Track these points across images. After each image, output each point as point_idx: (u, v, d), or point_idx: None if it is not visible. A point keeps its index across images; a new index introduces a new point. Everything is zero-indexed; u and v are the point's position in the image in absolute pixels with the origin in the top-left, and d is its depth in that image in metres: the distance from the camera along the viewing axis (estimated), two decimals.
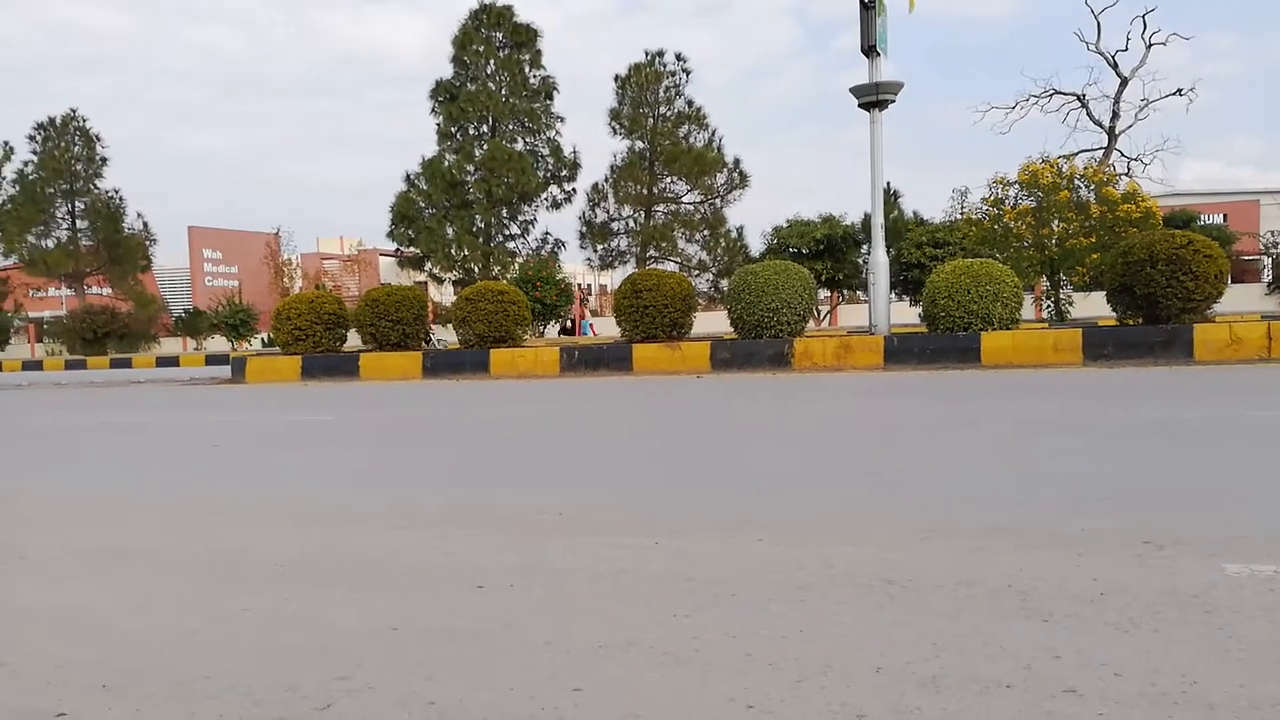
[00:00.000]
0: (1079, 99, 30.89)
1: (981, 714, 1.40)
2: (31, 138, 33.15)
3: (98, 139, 33.91)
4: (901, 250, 21.02)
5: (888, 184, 22.79)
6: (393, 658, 1.73)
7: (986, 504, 2.87)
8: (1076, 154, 28.69)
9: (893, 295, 13.56)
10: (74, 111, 33.54)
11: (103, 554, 2.67)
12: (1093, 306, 16.70)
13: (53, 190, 33.25)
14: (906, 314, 19.08)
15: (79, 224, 33.93)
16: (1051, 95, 31.34)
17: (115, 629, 1.97)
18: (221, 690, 1.60)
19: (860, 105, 11.19)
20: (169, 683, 1.64)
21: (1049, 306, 14.63)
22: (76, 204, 33.78)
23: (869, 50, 10.98)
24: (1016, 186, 13.95)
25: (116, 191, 34.48)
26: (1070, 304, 14.35)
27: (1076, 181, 13.46)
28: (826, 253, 23.32)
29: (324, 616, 2.00)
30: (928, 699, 1.46)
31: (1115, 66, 30.22)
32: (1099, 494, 2.95)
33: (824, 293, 24.84)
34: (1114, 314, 10.48)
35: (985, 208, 14.54)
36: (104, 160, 34.08)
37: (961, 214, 18.75)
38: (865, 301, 29.18)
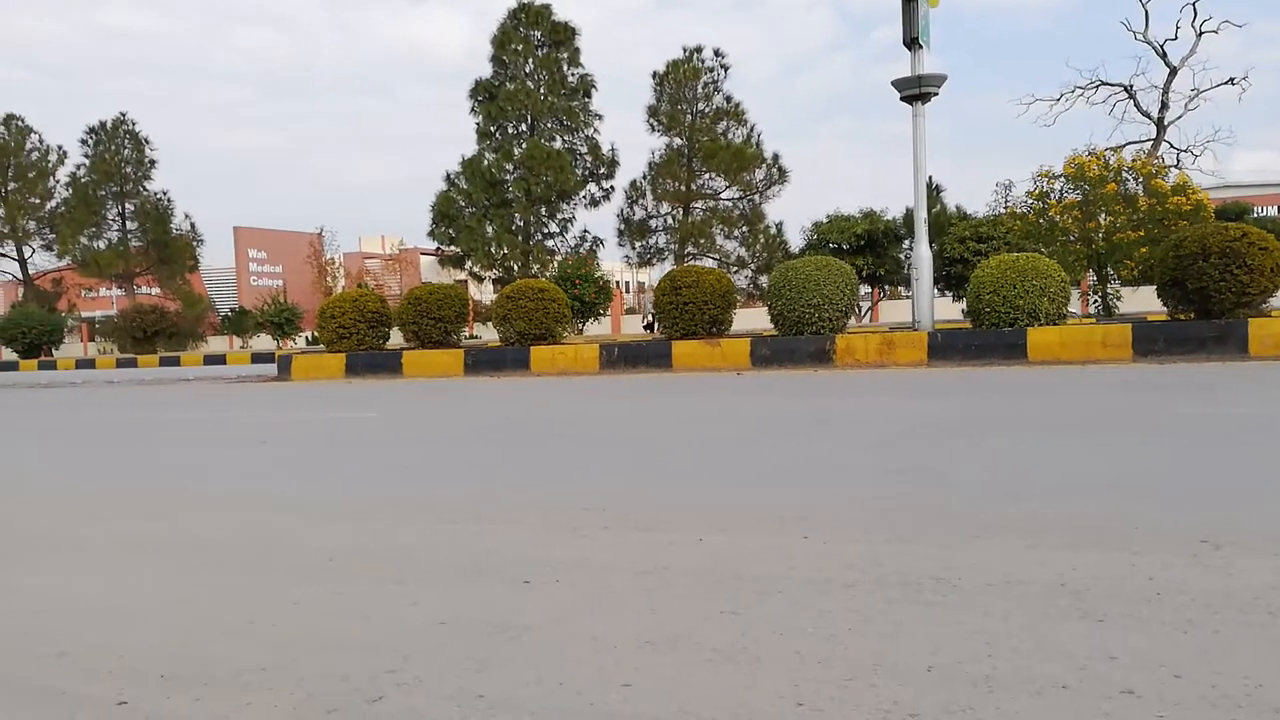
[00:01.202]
0: (1126, 90, 30.26)
1: (1037, 715, 1.38)
2: (83, 141, 33.95)
3: (146, 141, 34.64)
4: (944, 245, 20.75)
5: (930, 178, 22.49)
6: (441, 651, 1.74)
7: (1037, 502, 2.83)
8: (1124, 146, 28.15)
9: (935, 291, 13.38)
10: (123, 115, 34.29)
11: (159, 547, 2.72)
12: (1141, 301, 16.35)
13: (104, 192, 34.01)
14: (949, 310, 18.83)
15: (129, 225, 34.67)
16: (1098, 86, 30.74)
17: (172, 620, 2.01)
18: (275, 681, 1.62)
19: (902, 98, 11.06)
20: (225, 672, 1.67)
21: (1096, 301, 14.36)
22: (126, 206, 34.52)
23: (911, 42, 10.85)
24: (1062, 180, 13.71)
25: (165, 193, 35.21)
26: (1118, 299, 14.08)
27: (1124, 174, 13.18)
28: (867, 248, 23.08)
29: (373, 609, 2.02)
30: (981, 699, 1.44)
31: (1164, 56, 29.56)
32: (1153, 492, 2.89)
33: (865, 289, 24.63)
34: (1164, 309, 10.26)
35: (1030, 201, 14.30)
36: (153, 162, 34.81)
37: (1005, 208, 18.50)
38: (907, 297, 28.86)
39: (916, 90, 10.87)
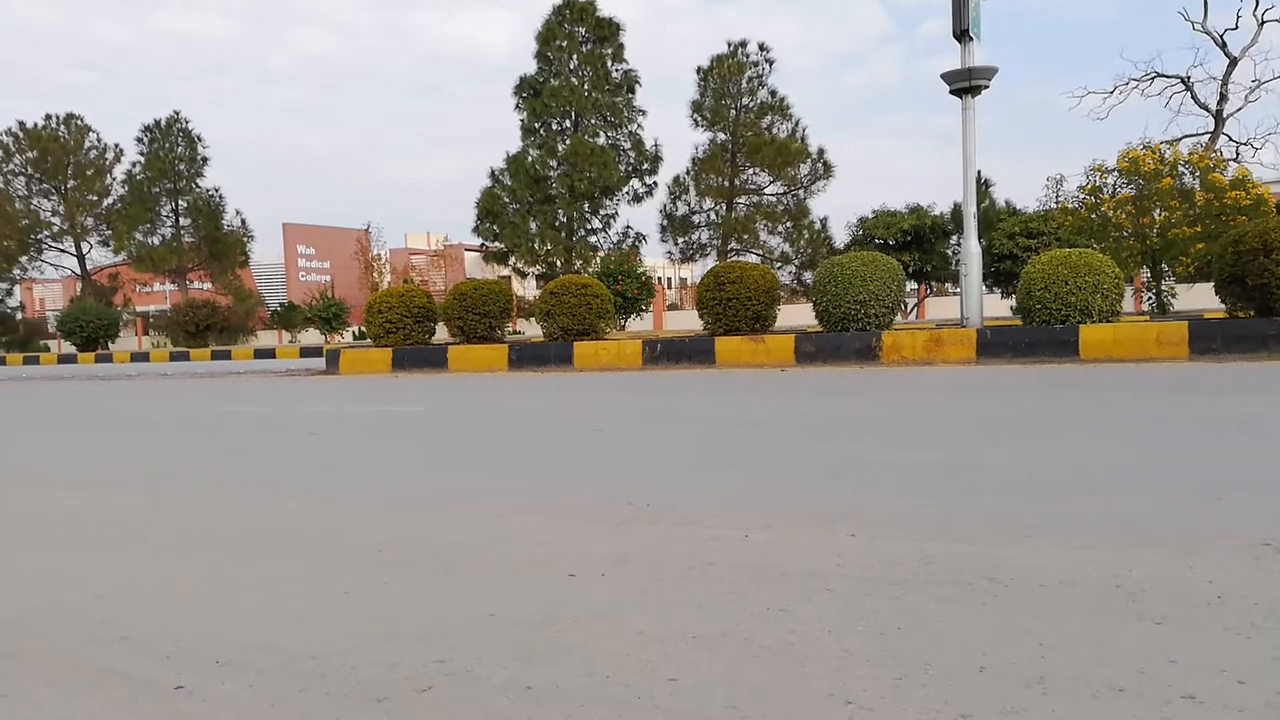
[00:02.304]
0: (1183, 81, 29.49)
1: (1094, 718, 1.35)
2: (139, 140, 34.77)
3: (199, 139, 35.39)
4: (993, 241, 20.40)
5: (979, 172, 22.12)
6: (489, 642, 1.75)
7: (1092, 502, 2.77)
8: (1180, 139, 27.48)
9: (984, 287, 13.17)
10: (177, 114, 35.08)
11: (214, 535, 2.78)
12: (1197, 299, 15.95)
13: (158, 190, 34.81)
14: (998, 307, 18.53)
15: (182, 222, 35.46)
16: (1153, 78, 30.00)
17: (227, 607, 2.05)
18: (326, 668, 1.65)
19: (952, 92, 10.90)
20: (278, 659, 1.70)
21: (1150, 299, 14.04)
22: (180, 202, 35.30)
23: (961, 35, 10.69)
24: (1115, 174, 13.40)
25: (217, 190, 35.96)
26: (1173, 296, 13.75)
27: (1180, 168, 12.84)
28: (914, 244, 22.78)
29: (421, 600, 2.04)
30: (1035, 700, 1.41)
31: (1223, 46, 28.77)
32: (1212, 492, 2.82)
33: (911, 285, 24.33)
34: (1222, 306, 10.00)
35: (1082, 196, 14.02)
36: (205, 160, 35.56)
37: (1056, 203, 18.12)
38: (954, 294, 28.46)
39: (966, 83, 10.71)
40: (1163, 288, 13.61)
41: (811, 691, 1.48)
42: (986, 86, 10.83)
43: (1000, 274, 20.56)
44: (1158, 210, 12.95)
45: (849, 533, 2.47)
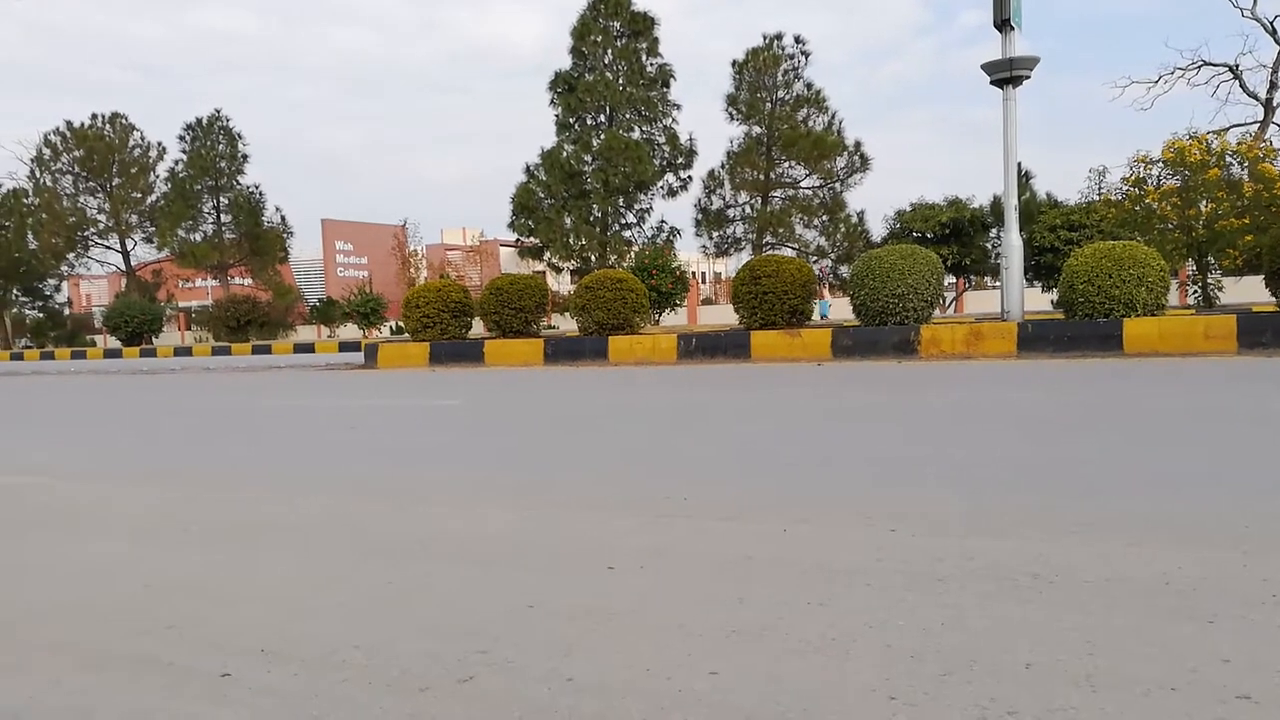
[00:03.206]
0: (1231, 70, 28.80)
1: (1144, 717, 1.32)
2: (181, 138, 35.32)
3: (239, 137, 35.85)
4: (1034, 234, 20.09)
5: (1019, 164, 21.83)
6: (529, 634, 1.76)
7: (1137, 498, 2.72)
8: (1228, 129, 26.84)
9: (1025, 281, 12.97)
10: (218, 112, 35.55)
11: (258, 528, 2.82)
12: (1244, 292, 15.60)
13: (200, 187, 35.34)
14: (1038, 300, 18.26)
15: (223, 218, 35.97)
16: (1200, 67, 29.32)
17: (269, 598, 2.08)
18: (370, 658, 1.66)
19: (993, 82, 10.74)
20: (321, 649, 1.72)
21: (1195, 292, 13.74)
22: (221, 199, 35.81)
23: (1002, 24, 10.52)
24: (1160, 165, 13.11)
25: (257, 187, 36.40)
26: (1219, 289, 13.44)
27: (1228, 158, 12.53)
28: (952, 237, 22.51)
29: (462, 591, 2.05)
30: (1083, 698, 1.39)
31: (1274, 33, 28.02)
32: (1264, 490, 2.75)
33: (949, 279, 24.04)
34: (1272, 299, 9.77)
35: (1125, 188, 13.74)
36: (245, 157, 36.01)
37: (1099, 195, 17.79)
38: (993, 288, 28.08)
39: (1008, 73, 10.54)
40: (1209, 280, 13.31)
41: (853, 687, 1.46)
42: (1028, 77, 10.66)
43: (1041, 267, 20.26)
44: (1204, 202, 12.65)
45: (889, 528, 2.44)
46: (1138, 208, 13.36)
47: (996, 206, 22.72)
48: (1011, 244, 10.85)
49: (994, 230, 23.00)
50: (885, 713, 1.37)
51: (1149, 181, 13.27)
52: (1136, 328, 8.89)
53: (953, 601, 1.84)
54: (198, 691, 1.56)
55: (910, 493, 2.92)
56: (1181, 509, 2.55)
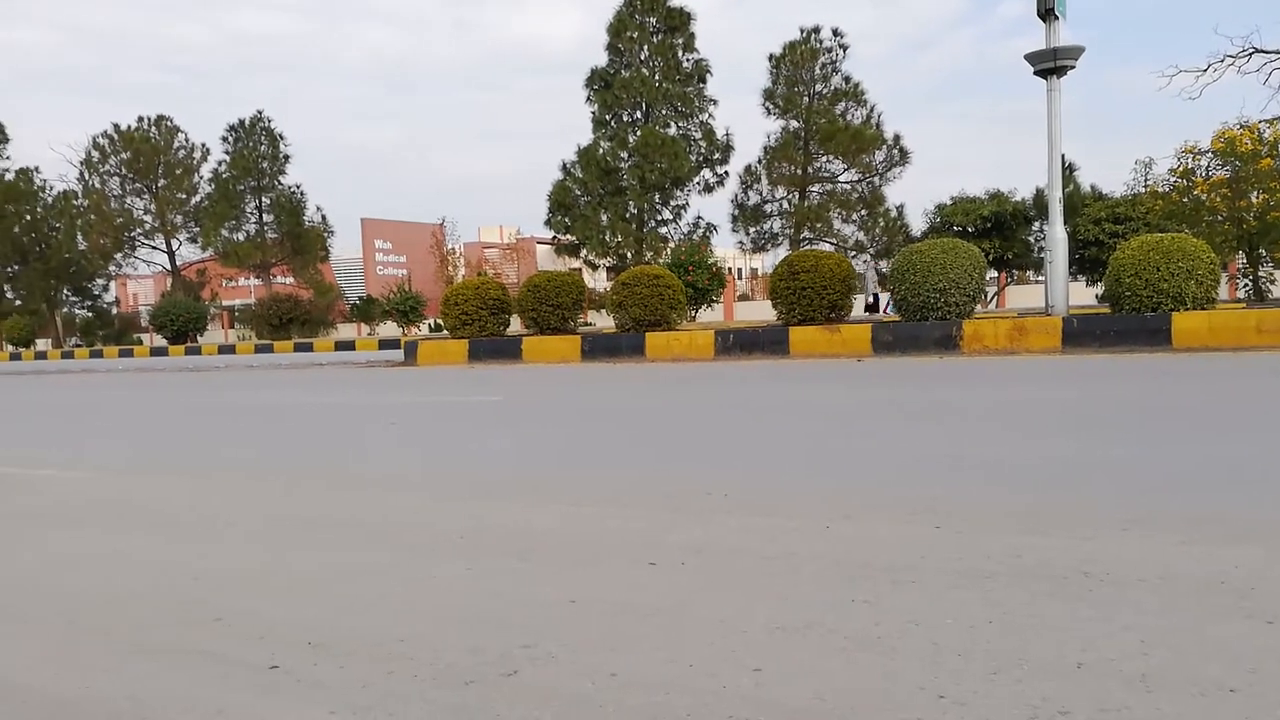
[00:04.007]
0: None
1: (1202, 718, 1.29)
2: (224, 139, 35.89)
3: (281, 138, 36.33)
4: (1078, 227, 19.72)
5: (1063, 156, 21.43)
6: (572, 629, 1.76)
7: (1188, 496, 2.66)
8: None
9: (1069, 275, 12.76)
10: (260, 113, 36.07)
11: (302, 522, 2.86)
12: None
13: (243, 187, 35.88)
14: (1083, 295, 17.93)
15: (265, 218, 36.49)
16: (1251, 54, 28.52)
17: (315, 591, 2.10)
18: (415, 651, 1.67)
19: (1036, 73, 10.56)
20: (367, 642, 1.73)
21: (1246, 285, 13.42)
22: (263, 199, 36.33)
23: (1045, 14, 10.35)
24: (1209, 155, 12.84)
25: (298, 186, 36.87)
26: (1271, 282, 13.12)
27: None
28: (994, 231, 22.13)
29: (504, 586, 2.06)
30: (1138, 698, 1.36)
31: None
32: None
33: (991, 273, 23.69)
34: None
35: (1173, 179, 13.47)
36: (287, 157, 36.49)
37: (1145, 187, 17.44)
38: (1035, 282, 27.61)
39: (1052, 64, 10.36)
40: (1260, 274, 12.99)
41: (901, 684, 1.44)
42: (1073, 67, 10.47)
43: (1086, 261, 19.87)
44: (1255, 193, 12.36)
45: (933, 525, 2.41)
46: (1186, 199, 13.09)
47: (1039, 199, 22.34)
48: (1056, 237, 10.68)
49: (1037, 224, 22.61)
50: (934, 711, 1.35)
51: (1197, 172, 12.99)
52: (1186, 322, 8.70)
53: (1000, 599, 1.81)
54: (247, 682, 1.58)
55: (955, 489, 2.88)
56: (1235, 506, 2.49)
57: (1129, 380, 6.33)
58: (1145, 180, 17.95)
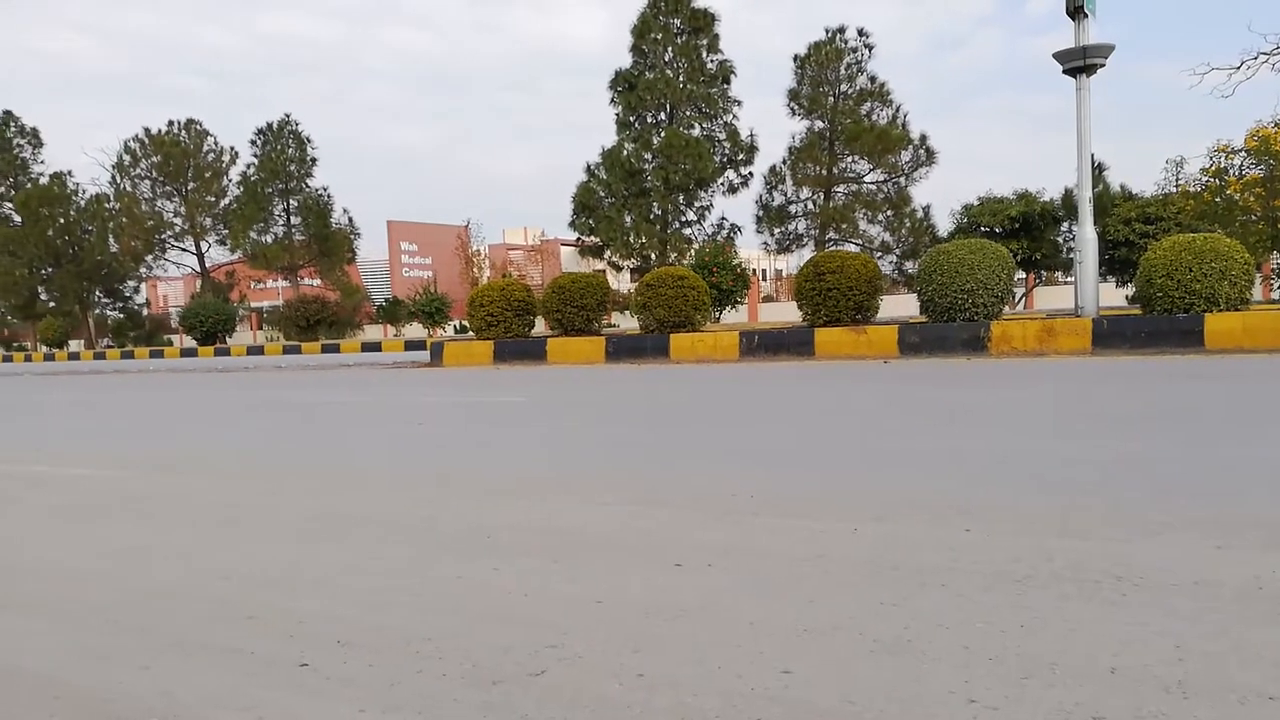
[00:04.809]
0: None
1: None
2: (252, 142, 36.32)
3: (308, 141, 36.73)
4: (1107, 227, 19.50)
5: (1092, 155, 21.18)
6: (599, 629, 1.76)
7: (1223, 499, 2.61)
8: None
9: (1099, 275, 12.62)
10: (288, 116, 36.49)
11: (331, 520, 2.88)
12: None
13: (271, 190, 36.30)
14: (1112, 296, 17.73)
15: (293, 220, 36.89)
16: None
17: (346, 590, 2.12)
18: (442, 650, 1.68)
19: (1065, 71, 10.46)
20: (394, 641, 1.74)
21: None
22: (291, 202, 36.73)
23: (1074, 12, 10.24)
24: (1243, 154, 12.67)
25: (325, 189, 37.27)
26: None
27: None
28: (1022, 231, 21.93)
29: (531, 586, 2.07)
30: (1174, 705, 1.34)
31: None
32: None
33: (1019, 274, 23.44)
34: None
35: (1205, 179, 13.30)
36: (314, 161, 36.88)
37: (1177, 186, 17.21)
38: (1064, 283, 27.30)
39: (1081, 62, 10.26)
40: None
41: (930, 688, 1.43)
42: (1103, 65, 10.35)
43: (1115, 261, 19.64)
44: None
45: (964, 527, 2.39)
46: (1218, 199, 12.92)
47: (1067, 199, 22.11)
48: (1085, 237, 10.56)
49: (1065, 224, 22.37)
50: (965, 715, 1.34)
51: (1230, 172, 12.81)
52: (1219, 323, 8.57)
53: (1032, 603, 1.79)
54: (279, 680, 1.59)
55: (984, 491, 2.86)
56: (1271, 510, 2.45)
57: (1161, 382, 6.25)
58: (1177, 180, 17.71)
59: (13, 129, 41.48)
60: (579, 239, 29.37)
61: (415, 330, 35.36)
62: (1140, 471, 3.08)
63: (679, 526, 2.56)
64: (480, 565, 2.26)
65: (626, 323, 27.21)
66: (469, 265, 44.40)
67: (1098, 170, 23.38)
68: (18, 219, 38.76)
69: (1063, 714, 1.32)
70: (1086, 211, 10.65)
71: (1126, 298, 14.35)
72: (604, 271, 29.28)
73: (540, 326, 14.58)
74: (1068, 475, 3.05)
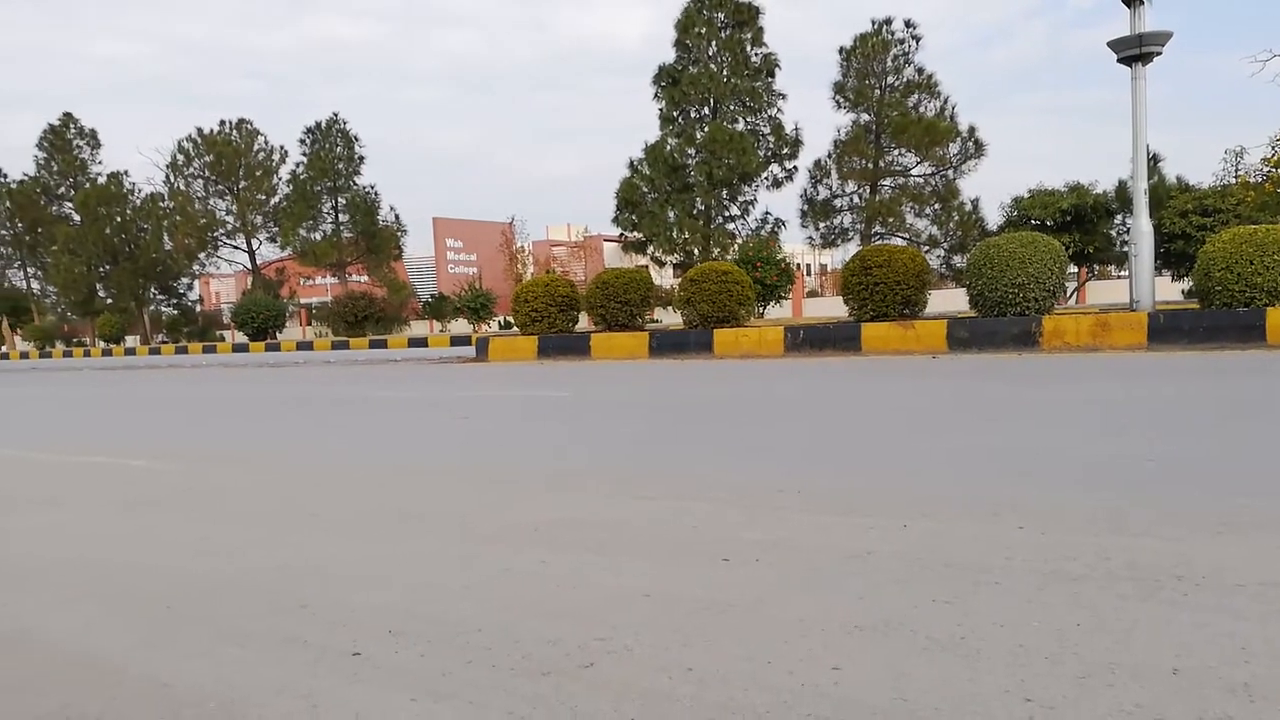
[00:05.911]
0: None
1: None
2: (301, 141, 36.92)
3: (356, 139, 37.23)
4: (1163, 220, 19.01)
5: (1147, 146, 20.62)
6: (647, 623, 1.76)
7: None
8: None
9: (1154, 269, 12.31)
10: (336, 115, 37.01)
11: (379, 514, 2.91)
12: None
13: (319, 188, 36.87)
14: (1168, 290, 17.28)
15: (341, 218, 37.44)
16: None
17: (396, 581, 2.14)
18: (492, 641, 1.69)
19: (1120, 60, 10.21)
20: (446, 631, 1.76)
21: None
22: (339, 200, 37.27)
23: None
24: None
25: (372, 187, 37.77)
26: None
27: None
28: (1074, 224, 21.44)
29: (578, 579, 2.07)
30: (1240, 708, 1.30)
31: None
32: None
33: (1071, 268, 22.96)
34: None
35: (1266, 169, 12.90)
36: (361, 159, 37.38)
37: (1236, 177, 16.72)
38: (1118, 278, 26.73)
39: (1136, 50, 10.01)
40: None
41: (985, 687, 1.41)
42: (1159, 53, 10.09)
43: (1171, 255, 19.14)
44: None
45: (1017, 524, 2.35)
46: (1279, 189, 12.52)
47: (1121, 192, 21.59)
48: (1141, 230, 10.32)
49: (1118, 217, 21.84)
50: (1022, 714, 1.31)
51: None
52: None
53: (1089, 602, 1.76)
54: (331, 668, 1.61)
55: (1037, 489, 2.80)
56: None
57: (1220, 378, 6.08)
58: (1236, 171, 17.21)
59: (73, 130, 42.69)
60: (622, 235, 29.39)
61: (460, 326, 35.69)
62: (1199, 470, 3.01)
63: (724, 521, 2.55)
64: (527, 558, 2.27)
65: (669, 318, 27.16)
66: (513, 261, 44.74)
67: (1153, 162, 22.78)
68: (77, 218, 39.86)
69: (1123, 714, 1.30)
70: (1142, 203, 10.40)
71: (1183, 292, 13.99)
72: (647, 267, 29.28)
73: (584, 322, 14.62)
74: (1124, 473, 2.99)
